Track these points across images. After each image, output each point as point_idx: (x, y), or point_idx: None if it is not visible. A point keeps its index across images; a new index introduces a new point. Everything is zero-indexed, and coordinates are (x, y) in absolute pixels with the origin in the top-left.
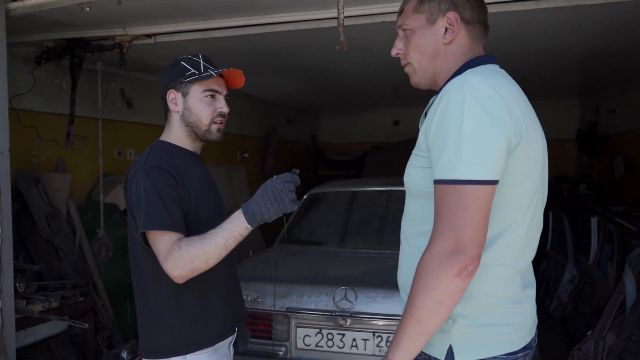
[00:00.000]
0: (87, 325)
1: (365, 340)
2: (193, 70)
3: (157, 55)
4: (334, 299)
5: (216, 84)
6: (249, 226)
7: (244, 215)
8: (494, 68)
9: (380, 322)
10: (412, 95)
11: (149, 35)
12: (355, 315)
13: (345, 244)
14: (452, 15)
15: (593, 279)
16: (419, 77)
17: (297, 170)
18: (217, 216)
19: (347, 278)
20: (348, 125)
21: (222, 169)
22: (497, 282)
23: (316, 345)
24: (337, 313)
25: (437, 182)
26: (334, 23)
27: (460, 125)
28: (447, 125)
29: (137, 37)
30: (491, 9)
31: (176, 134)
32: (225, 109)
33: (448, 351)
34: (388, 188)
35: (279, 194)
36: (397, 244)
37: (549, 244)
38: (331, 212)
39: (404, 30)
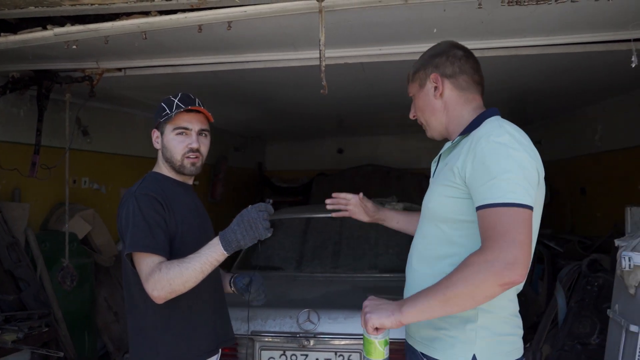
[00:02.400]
0: (62, 354)
1: None
2: (167, 110)
3: (123, 86)
4: (297, 321)
5: (187, 122)
6: (225, 252)
7: (221, 242)
8: (504, 119)
9: (342, 342)
10: (356, 125)
11: (119, 69)
12: (318, 336)
13: (303, 268)
14: (433, 76)
15: (527, 297)
16: (430, 131)
17: (271, 200)
18: (203, 241)
19: (309, 301)
20: (294, 152)
21: None
22: (510, 298)
23: None
24: (301, 334)
25: (488, 206)
26: (301, 63)
27: (509, 159)
28: (496, 158)
29: (109, 70)
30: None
31: (163, 167)
32: (194, 145)
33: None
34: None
35: (253, 222)
36: (351, 268)
37: None
38: (287, 238)
39: (412, 96)
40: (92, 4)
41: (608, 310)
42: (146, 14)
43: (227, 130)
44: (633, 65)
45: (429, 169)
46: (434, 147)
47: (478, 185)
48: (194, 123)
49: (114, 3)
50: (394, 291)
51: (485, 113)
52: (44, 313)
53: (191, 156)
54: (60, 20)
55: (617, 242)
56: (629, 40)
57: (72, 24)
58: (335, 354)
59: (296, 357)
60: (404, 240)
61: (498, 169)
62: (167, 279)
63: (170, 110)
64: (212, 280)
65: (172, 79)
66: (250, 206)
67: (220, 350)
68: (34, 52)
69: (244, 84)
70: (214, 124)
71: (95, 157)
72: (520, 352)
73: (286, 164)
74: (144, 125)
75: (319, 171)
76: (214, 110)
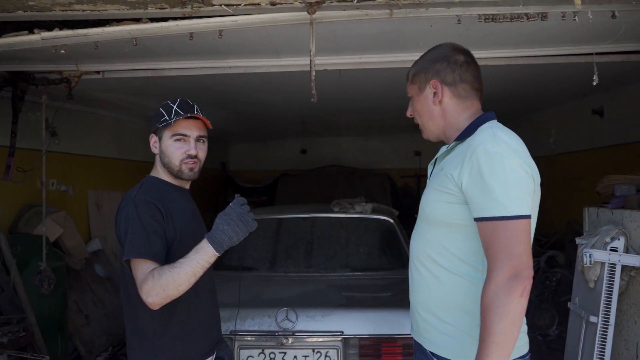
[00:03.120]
0: (48, 358)
1: (305, 357)
2: (166, 117)
3: (96, 88)
4: (276, 319)
5: (185, 128)
6: (217, 253)
7: (211, 245)
8: (498, 124)
9: (320, 339)
10: (319, 126)
11: (97, 72)
12: (297, 334)
13: (276, 268)
14: (433, 82)
15: None
16: (426, 134)
17: (238, 195)
18: (195, 239)
19: (286, 300)
20: (257, 153)
21: None
22: None
23: None
24: (279, 333)
25: (487, 219)
26: (283, 69)
27: (504, 172)
28: (492, 172)
29: (87, 72)
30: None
31: (161, 172)
32: (192, 151)
33: None
34: (312, 215)
35: (242, 217)
36: (324, 268)
37: None
38: (259, 239)
39: (410, 97)
40: (83, 10)
41: (568, 303)
42: (137, 20)
43: None
44: (594, 84)
45: (391, 169)
46: (396, 148)
47: (476, 196)
48: (192, 129)
49: (105, 10)
50: (367, 289)
51: (480, 118)
52: (21, 317)
53: (189, 162)
54: (46, 24)
55: (577, 240)
56: (590, 54)
57: (61, 29)
58: (313, 351)
59: (274, 355)
60: (374, 240)
61: (494, 180)
62: (160, 284)
63: (169, 116)
64: (207, 282)
65: (147, 81)
66: (230, 204)
67: (215, 352)
68: (12, 54)
69: (212, 86)
70: None
71: (63, 158)
72: (525, 348)
73: (249, 164)
74: (113, 127)
75: (282, 171)
76: None
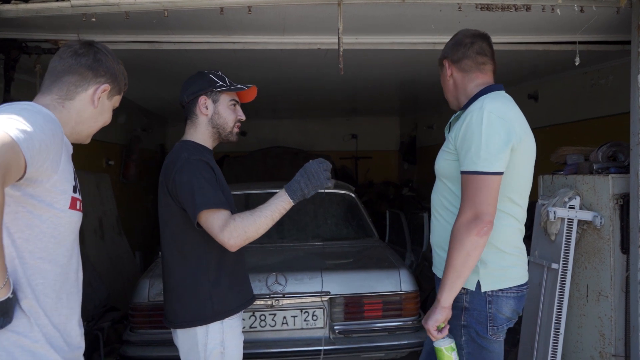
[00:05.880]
0: None
1: (294, 317)
2: (221, 83)
3: None
4: (266, 283)
5: (236, 96)
6: (292, 201)
7: (287, 193)
8: (501, 94)
9: (308, 300)
10: (259, 108)
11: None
12: (288, 296)
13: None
14: (445, 62)
15: (428, 261)
16: (449, 104)
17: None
18: (232, 199)
19: (272, 266)
20: None
21: (92, 177)
22: (510, 235)
23: (250, 327)
24: (271, 295)
25: (463, 172)
26: (284, 47)
27: (480, 135)
28: (472, 134)
29: None
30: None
31: (201, 134)
32: (243, 117)
33: (477, 284)
34: (277, 190)
35: (315, 172)
36: (296, 238)
37: (387, 237)
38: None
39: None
40: None
41: (528, 256)
42: None
43: (141, 109)
44: (577, 64)
45: (330, 151)
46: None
47: (460, 154)
48: (240, 99)
49: None
50: (342, 256)
51: (483, 90)
52: None
53: (238, 125)
54: None
55: (540, 200)
56: (574, 42)
57: None
58: (301, 312)
59: (265, 317)
60: (339, 212)
61: (472, 142)
62: (242, 226)
63: (224, 82)
64: None
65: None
66: (311, 160)
67: (254, 297)
68: (5, 22)
69: (184, 60)
70: (130, 101)
71: None
72: (521, 279)
73: None
74: None
75: (222, 153)
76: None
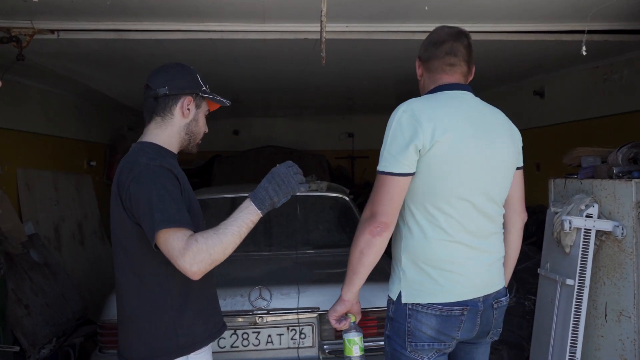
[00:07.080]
0: (17, 349)
1: (280, 335)
2: (205, 88)
3: (46, 53)
4: (249, 298)
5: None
6: (260, 212)
7: (253, 202)
8: (444, 94)
9: (295, 316)
10: (251, 106)
11: (52, 31)
12: (272, 312)
13: (236, 248)
14: (417, 61)
15: None
16: None
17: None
18: (200, 213)
19: (255, 279)
20: None
21: (72, 178)
22: (436, 249)
23: (231, 347)
24: (254, 312)
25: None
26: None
27: (387, 135)
28: (385, 134)
29: (41, 31)
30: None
31: (168, 136)
32: (207, 130)
33: (398, 294)
34: None
35: (284, 177)
36: (285, 246)
37: None
38: (214, 218)
39: None
40: None
41: (538, 269)
42: None
43: (121, 107)
44: (584, 54)
45: (325, 150)
46: (330, 128)
47: None
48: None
49: None
50: (333, 266)
51: (432, 90)
52: None
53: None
54: None
55: (552, 208)
56: (582, 32)
57: None
58: (288, 329)
59: (247, 335)
60: (332, 218)
61: (383, 141)
62: (206, 248)
63: (207, 89)
64: None
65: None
66: (278, 164)
67: (225, 324)
68: None
69: (160, 53)
70: (112, 97)
71: None
72: (448, 298)
73: None
74: (40, 99)
75: (214, 153)
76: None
